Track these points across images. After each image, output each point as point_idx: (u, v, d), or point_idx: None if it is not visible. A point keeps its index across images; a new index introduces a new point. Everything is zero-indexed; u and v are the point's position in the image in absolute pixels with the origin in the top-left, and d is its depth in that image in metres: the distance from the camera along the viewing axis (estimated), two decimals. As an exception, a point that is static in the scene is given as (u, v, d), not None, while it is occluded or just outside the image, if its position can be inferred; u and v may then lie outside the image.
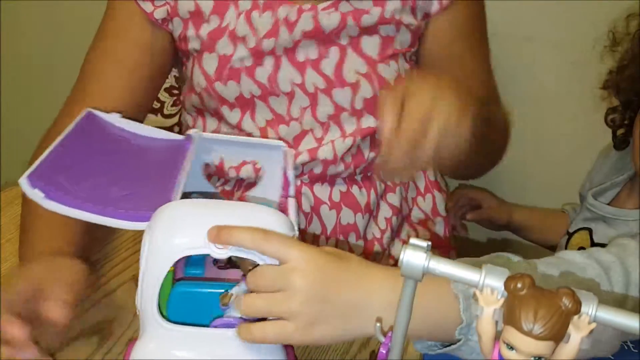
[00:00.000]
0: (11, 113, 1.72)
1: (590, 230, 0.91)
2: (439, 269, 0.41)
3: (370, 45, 0.86)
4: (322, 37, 0.85)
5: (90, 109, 0.71)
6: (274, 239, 0.54)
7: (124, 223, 0.56)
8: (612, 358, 0.62)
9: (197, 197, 0.68)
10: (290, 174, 0.70)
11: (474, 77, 0.94)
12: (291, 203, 0.65)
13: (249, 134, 0.90)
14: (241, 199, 0.78)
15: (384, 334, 0.48)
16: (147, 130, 0.73)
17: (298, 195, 0.92)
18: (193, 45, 0.87)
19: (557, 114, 1.21)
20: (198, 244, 0.53)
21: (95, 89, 0.88)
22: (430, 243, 0.42)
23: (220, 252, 0.53)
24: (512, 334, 0.38)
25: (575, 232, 0.94)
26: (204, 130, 0.93)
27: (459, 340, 0.54)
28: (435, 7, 0.88)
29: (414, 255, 0.41)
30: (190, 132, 0.72)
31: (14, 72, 1.70)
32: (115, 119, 0.73)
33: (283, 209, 0.69)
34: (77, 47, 1.47)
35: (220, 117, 0.91)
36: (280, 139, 0.88)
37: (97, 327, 0.66)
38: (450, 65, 0.92)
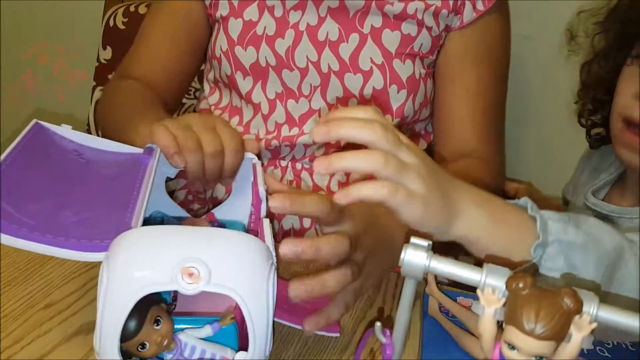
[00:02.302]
0: (11, 113, 1.72)
1: None
2: (440, 268, 0.40)
3: (390, 39, 0.88)
4: (346, 21, 0.88)
5: (37, 120, 0.65)
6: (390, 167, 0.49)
7: (76, 254, 0.49)
8: (610, 356, 0.62)
9: (157, 220, 0.64)
10: (262, 190, 0.63)
11: (465, 118, 0.93)
12: (266, 225, 0.57)
13: (257, 105, 0.90)
14: (209, 217, 0.72)
15: (384, 333, 0.47)
16: (102, 143, 0.67)
17: (297, 180, 0.93)
18: (221, 10, 0.92)
19: (553, 110, 1.21)
20: (163, 280, 0.46)
21: (144, 54, 0.99)
22: (431, 242, 0.41)
23: (191, 288, 0.46)
24: (513, 334, 0.37)
25: None
26: (218, 102, 0.95)
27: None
28: (456, 22, 0.90)
29: (415, 254, 0.40)
30: (151, 144, 0.67)
31: (14, 72, 1.69)
32: (65, 131, 0.66)
33: (253, 228, 0.65)
34: (77, 47, 1.47)
35: (232, 87, 0.93)
36: (287, 114, 0.91)
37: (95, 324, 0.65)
38: (455, 87, 0.93)
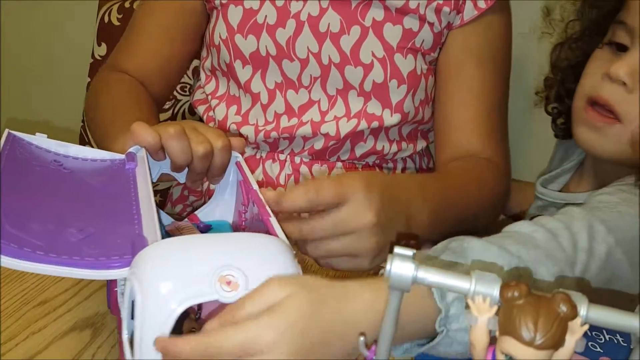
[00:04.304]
0: (11, 113, 1.70)
1: None
2: (428, 278, 0.37)
3: (392, 33, 0.85)
4: (348, 13, 0.85)
5: (10, 130, 0.61)
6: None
7: (97, 273, 0.46)
8: (602, 352, 0.61)
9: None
10: (255, 186, 0.60)
11: (471, 119, 0.88)
12: (275, 223, 0.54)
13: (256, 95, 0.87)
14: (192, 219, 0.69)
15: (368, 348, 0.43)
16: (79, 150, 0.64)
17: (296, 174, 0.91)
18: None
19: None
20: (205, 291, 0.44)
21: (137, 45, 0.94)
22: (415, 251, 0.38)
23: (230, 296, 0.44)
24: (511, 345, 0.35)
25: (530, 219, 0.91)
26: (214, 91, 0.92)
27: (435, 336, 0.50)
28: (457, 20, 0.87)
29: (402, 266, 0.37)
30: (132, 149, 0.63)
31: (14, 72, 1.67)
32: (41, 141, 0.62)
33: (246, 227, 0.63)
34: (77, 47, 1.45)
35: (230, 75, 0.90)
36: (287, 105, 0.89)
37: (91, 321, 0.63)
38: (457, 87, 0.89)
